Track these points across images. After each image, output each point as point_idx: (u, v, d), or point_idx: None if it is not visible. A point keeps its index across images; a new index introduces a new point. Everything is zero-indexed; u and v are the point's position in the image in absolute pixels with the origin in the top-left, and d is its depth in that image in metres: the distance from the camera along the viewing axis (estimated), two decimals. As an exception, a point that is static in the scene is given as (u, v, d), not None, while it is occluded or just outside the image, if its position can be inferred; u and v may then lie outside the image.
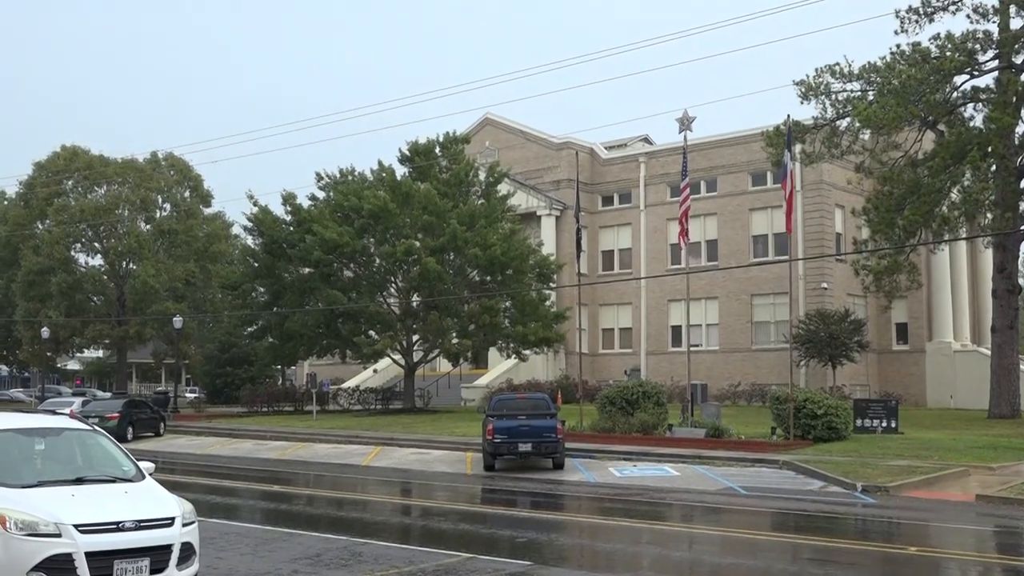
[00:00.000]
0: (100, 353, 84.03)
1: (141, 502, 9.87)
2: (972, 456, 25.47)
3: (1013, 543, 16.09)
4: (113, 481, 10.41)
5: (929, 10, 38.10)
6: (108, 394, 60.79)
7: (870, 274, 39.26)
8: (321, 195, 48.91)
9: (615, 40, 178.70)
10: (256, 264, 49.03)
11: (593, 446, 29.24)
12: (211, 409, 55.91)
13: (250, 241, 51.15)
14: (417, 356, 47.38)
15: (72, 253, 65.00)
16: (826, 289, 48.30)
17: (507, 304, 45.65)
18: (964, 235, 42.51)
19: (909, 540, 15.36)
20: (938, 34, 36.87)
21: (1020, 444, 28.38)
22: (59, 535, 9.07)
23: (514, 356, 47.76)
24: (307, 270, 47.06)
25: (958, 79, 37.42)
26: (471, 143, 52.92)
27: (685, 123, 31.81)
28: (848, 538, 15.65)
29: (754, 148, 47.23)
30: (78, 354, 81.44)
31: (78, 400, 46.21)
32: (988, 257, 48.70)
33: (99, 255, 66.25)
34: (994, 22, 36.89)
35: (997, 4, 37.00)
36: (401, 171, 48.02)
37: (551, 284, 48.37)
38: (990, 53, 36.82)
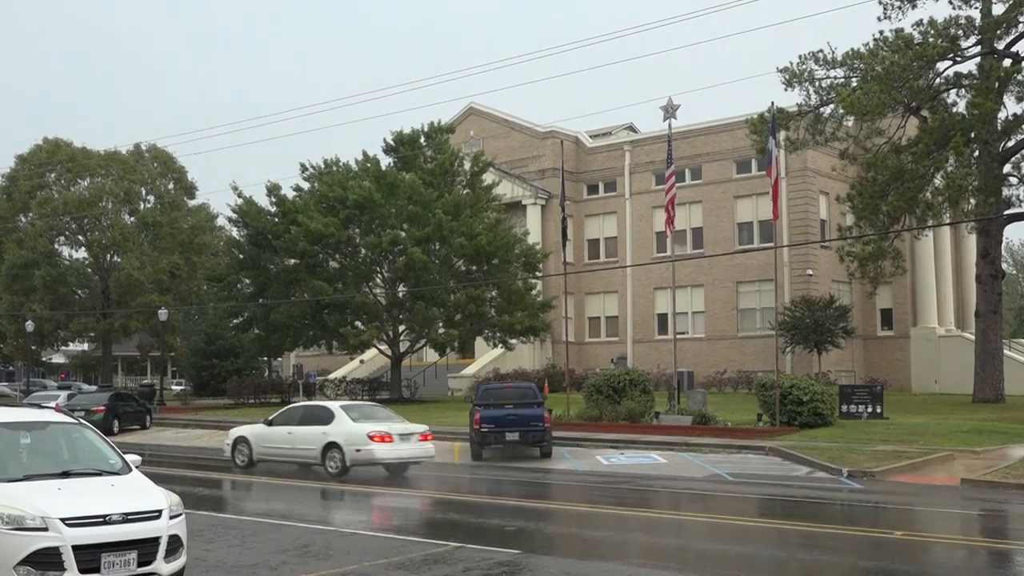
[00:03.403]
0: (85, 346, 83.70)
1: (128, 495, 9.84)
2: (957, 440, 25.63)
3: (998, 526, 16.21)
4: (99, 474, 10.38)
5: (912, -4, 38.20)
6: (94, 387, 60.56)
7: (855, 260, 39.41)
8: (306, 186, 48.80)
9: (599, 28, 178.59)
10: (241, 256, 48.89)
11: (580, 434, 29.30)
12: (197, 401, 55.73)
13: (235, 233, 50.99)
14: (404, 346, 47.36)
15: (56, 246, 64.68)
16: (811, 276, 48.45)
17: (493, 293, 45.66)
18: (948, 221, 42.73)
19: (895, 524, 15.45)
20: (921, 20, 36.98)
21: (1004, 428, 28.59)
22: (46, 529, 9.03)
23: (501, 345, 47.80)
24: (292, 261, 46.95)
25: (941, 65, 37.55)
26: (456, 133, 52.88)
27: (670, 111, 31.80)
28: (835, 523, 15.73)
29: (738, 135, 47.29)
30: (63, 348, 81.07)
31: (63, 394, 46.02)
32: (972, 242, 48.94)
33: (83, 248, 65.97)
34: (976, 8, 37.00)
35: (979, -10, 37.12)
36: (386, 161, 47.96)
37: (537, 273, 48.40)
38: (972, 39, 36.94)
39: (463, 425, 29.71)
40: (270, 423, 25.12)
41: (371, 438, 22.42)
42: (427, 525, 15.72)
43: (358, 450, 22.48)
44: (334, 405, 24.71)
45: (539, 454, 26.20)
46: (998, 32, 36.58)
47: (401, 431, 23.22)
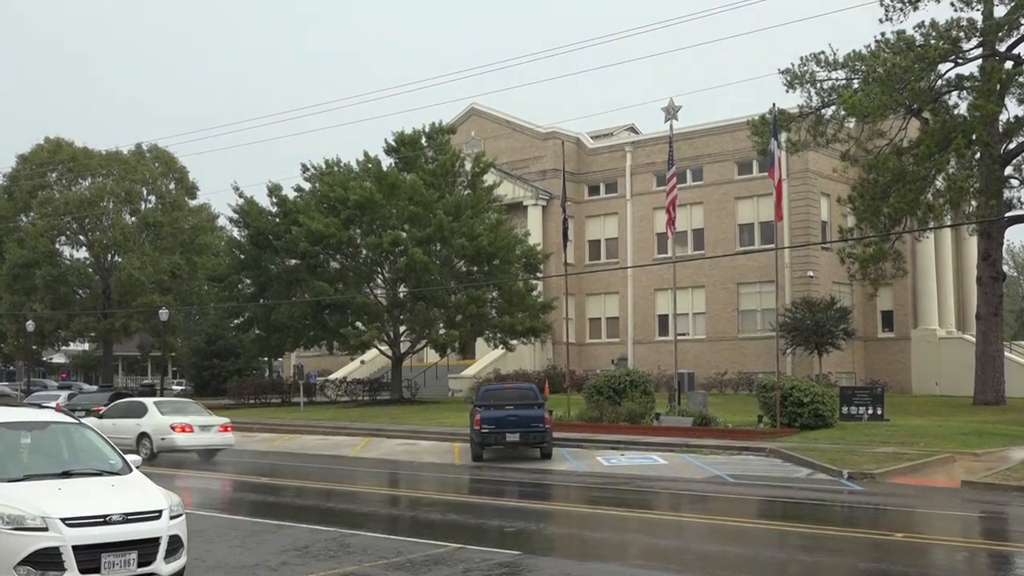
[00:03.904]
0: (86, 346, 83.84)
1: (128, 495, 9.84)
2: (957, 442, 25.62)
3: (998, 528, 16.21)
4: (100, 474, 10.39)
5: (914, -3, 38.21)
6: (94, 387, 60.63)
7: (856, 262, 39.42)
8: (307, 186, 48.86)
9: (600, 29, 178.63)
10: (242, 256, 48.94)
11: (581, 435, 29.29)
12: (198, 401, 55.71)
13: (236, 233, 51.05)
14: (404, 347, 47.39)
15: (57, 246, 64.83)
16: (812, 277, 48.43)
17: (494, 294, 45.69)
18: (949, 223, 42.71)
19: (895, 526, 15.44)
20: (922, 22, 36.97)
21: (1005, 430, 28.57)
22: (46, 529, 9.04)
23: (501, 346, 47.82)
24: (293, 261, 46.99)
25: (942, 67, 37.55)
26: (457, 133, 52.90)
27: (671, 112, 31.78)
28: (835, 525, 15.73)
29: (740, 137, 47.27)
30: (64, 347, 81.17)
31: (64, 393, 46.05)
32: (972, 244, 48.92)
33: (84, 248, 66.11)
34: (978, 10, 36.99)
35: (981, -8, 37.12)
36: (387, 162, 48.02)
37: (538, 274, 48.43)
38: (974, 41, 36.93)
39: (463, 426, 29.73)
40: (101, 416, 28.79)
41: (173, 428, 26.52)
42: (428, 526, 15.72)
43: (163, 439, 26.59)
44: (149, 401, 28.74)
45: (539, 455, 26.18)
46: (999, 34, 36.58)
47: (202, 423, 27.33)
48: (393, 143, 47.70)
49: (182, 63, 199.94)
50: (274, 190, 47.74)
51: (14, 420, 10.98)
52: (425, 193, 43.96)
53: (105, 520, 9.29)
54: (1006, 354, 42.20)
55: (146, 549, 9.46)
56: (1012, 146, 38.11)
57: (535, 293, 47.92)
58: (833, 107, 38.25)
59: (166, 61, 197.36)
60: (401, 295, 46.00)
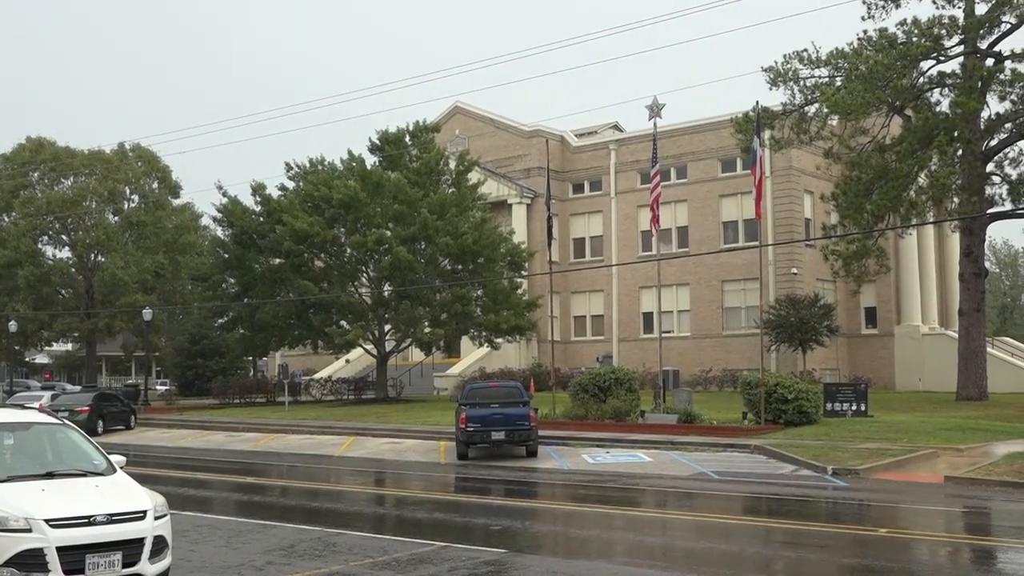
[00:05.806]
0: (69, 346, 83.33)
1: (112, 496, 9.80)
2: (940, 438, 25.75)
3: (981, 523, 16.30)
4: (84, 475, 10.34)
5: (895, -5, 38.37)
6: (78, 388, 60.24)
7: (839, 259, 39.58)
8: (291, 185, 48.65)
9: (585, 27, 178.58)
10: (226, 255, 48.72)
11: (566, 433, 29.32)
12: (182, 401, 55.55)
13: (220, 232, 50.80)
14: (389, 345, 47.30)
15: (39, 246, 64.32)
16: (796, 274, 48.58)
17: (479, 293, 45.64)
18: (931, 219, 42.91)
19: (879, 522, 15.52)
20: (904, 20, 37.18)
21: (987, 425, 28.75)
22: (29, 530, 9.00)
23: (486, 345, 47.78)
24: (278, 261, 46.83)
25: (924, 64, 37.75)
26: (441, 132, 52.86)
27: (655, 110, 31.83)
28: (819, 521, 15.79)
29: (723, 135, 47.38)
30: (47, 348, 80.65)
31: (47, 394, 45.77)
32: (955, 241, 49.18)
33: (67, 247, 65.64)
34: (959, 7, 37.18)
35: (962, -11, 37.30)
36: (371, 160, 47.87)
37: (523, 272, 48.39)
38: (956, 38, 37.11)
39: (449, 424, 29.72)
40: None
41: None
42: (413, 525, 15.71)
43: None
44: None
45: (525, 453, 26.20)
46: (981, 32, 36.76)
47: None
48: (377, 142, 47.58)
49: (164, 62, 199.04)
50: (258, 189, 47.53)
51: (-3, 421, 10.93)
52: (409, 192, 43.89)
53: (89, 521, 9.25)
54: (988, 350, 42.43)
55: (131, 550, 9.43)
56: (994, 143, 38.33)
57: (520, 291, 47.89)
58: (816, 104, 38.40)
59: (148, 60, 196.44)
60: (386, 294, 45.90)
